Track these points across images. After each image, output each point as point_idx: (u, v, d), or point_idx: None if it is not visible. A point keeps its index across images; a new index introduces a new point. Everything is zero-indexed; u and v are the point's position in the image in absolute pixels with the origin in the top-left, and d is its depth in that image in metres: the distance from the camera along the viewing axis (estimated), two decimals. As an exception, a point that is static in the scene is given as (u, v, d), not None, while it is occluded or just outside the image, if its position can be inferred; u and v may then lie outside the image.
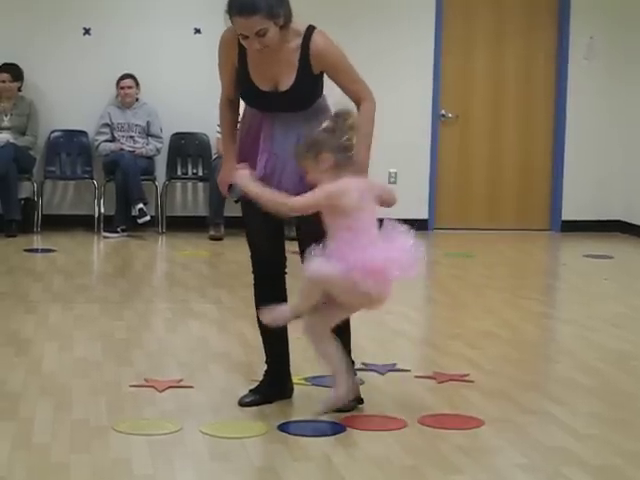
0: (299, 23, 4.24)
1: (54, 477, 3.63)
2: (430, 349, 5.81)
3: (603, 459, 3.93)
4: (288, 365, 4.58)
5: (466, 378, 4.98)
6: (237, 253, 8.20)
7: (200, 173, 10.12)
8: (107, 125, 9.87)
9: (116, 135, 9.87)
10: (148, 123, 9.90)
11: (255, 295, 4.52)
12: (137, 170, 9.57)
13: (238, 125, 4.47)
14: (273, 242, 4.43)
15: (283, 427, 4.18)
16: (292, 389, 4.59)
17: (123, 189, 9.51)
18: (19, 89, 9.77)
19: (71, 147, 9.97)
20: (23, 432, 4.07)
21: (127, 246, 9.21)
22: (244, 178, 4.16)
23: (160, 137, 9.95)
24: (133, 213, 9.52)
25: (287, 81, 4.25)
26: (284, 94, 4.26)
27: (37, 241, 9.35)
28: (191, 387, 4.73)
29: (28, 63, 9.75)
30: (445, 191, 10.50)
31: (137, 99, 9.95)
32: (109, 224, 9.61)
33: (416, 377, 5.00)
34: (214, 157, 9.76)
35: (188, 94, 9.87)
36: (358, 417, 4.34)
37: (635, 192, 10.34)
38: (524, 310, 6.81)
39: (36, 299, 6.73)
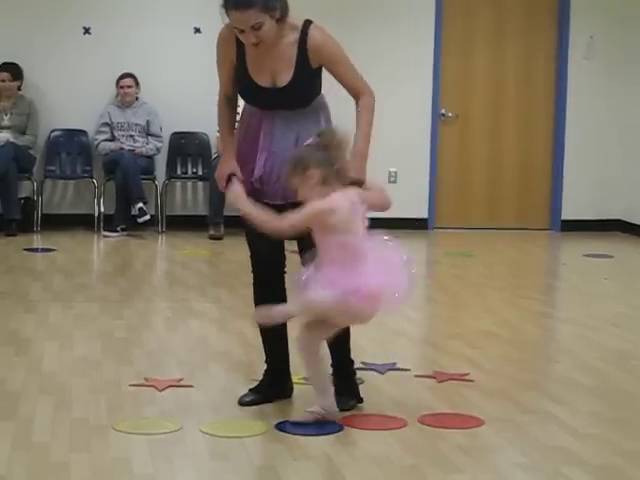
0: (296, 18, 4.25)
1: (54, 476, 3.63)
2: (430, 348, 5.80)
3: (603, 458, 3.93)
4: (288, 364, 4.58)
5: (466, 377, 4.98)
6: (237, 252, 8.19)
7: (200, 172, 10.12)
8: (107, 124, 9.87)
9: (116, 134, 9.86)
10: (148, 122, 9.90)
11: (255, 294, 4.52)
12: (137, 169, 9.56)
13: (236, 124, 4.47)
14: (272, 242, 4.42)
15: (282, 426, 4.18)
16: (292, 388, 4.59)
17: (123, 188, 9.50)
18: (19, 88, 9.76)
19: (71, 146, 9.96)
20: (23, 431, 4.07)
21: (127, 245, 9.21)
22: (239, 198, 4.18)
23: (160, 136, 9.94)
24: (133, 212, 9.52)
25: (285, 76, 4.25)
26: (283, 90, 4.26)
27: (37, 240, 9.34)
28: (191, 386, 4.73)
29: (28, 62, 9.75)
30: (445, 190, 10.50)
31: (137, 98, 9.95)
32: (109, 223, 9.60)
33: (416, 376, 5.00)
34: (214, 156, 9.74)
35: (188, 93, 9.86)
36: (358, 416, 4.34)
37: (635, 192, 10.34)
38: (524, 309, 6.81)
39: (36, 298, 6.73)
